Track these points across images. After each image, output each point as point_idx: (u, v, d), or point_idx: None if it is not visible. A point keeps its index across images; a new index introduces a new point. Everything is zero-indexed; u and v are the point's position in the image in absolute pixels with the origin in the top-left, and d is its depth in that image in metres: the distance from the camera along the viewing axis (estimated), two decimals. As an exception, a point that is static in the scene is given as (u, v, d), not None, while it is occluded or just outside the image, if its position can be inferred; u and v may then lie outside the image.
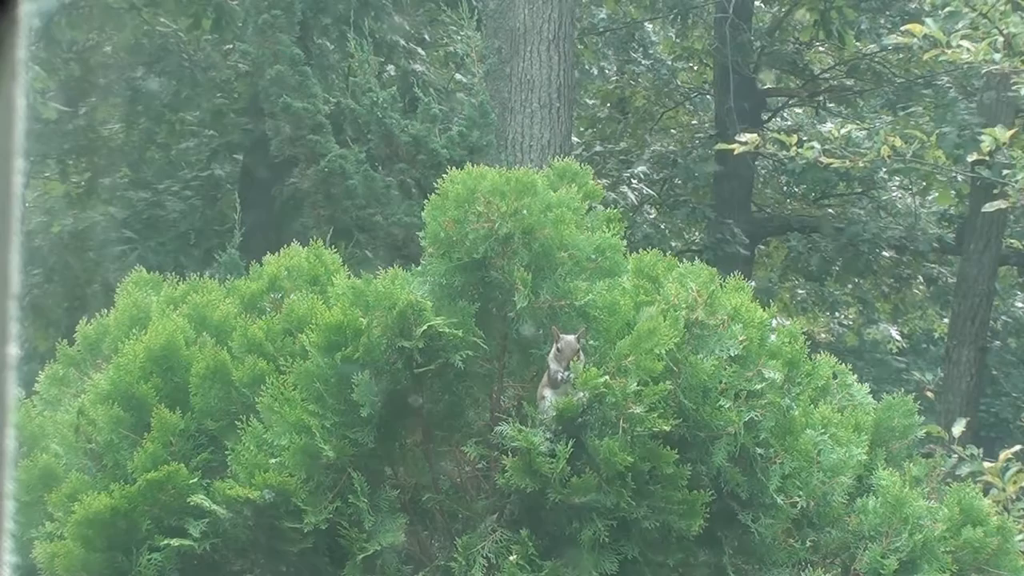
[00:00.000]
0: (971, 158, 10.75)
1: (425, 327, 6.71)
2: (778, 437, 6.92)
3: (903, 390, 8.19)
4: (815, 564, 7.02)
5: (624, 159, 20.64)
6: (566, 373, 6.69)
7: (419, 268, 7.18)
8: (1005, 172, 10.51)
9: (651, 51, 21.27)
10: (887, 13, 19.61)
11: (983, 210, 12.79)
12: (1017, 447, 8.83)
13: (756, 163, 20.20)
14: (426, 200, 7.15)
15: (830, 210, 21.58)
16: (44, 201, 17.47)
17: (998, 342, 21.77)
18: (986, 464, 8.64)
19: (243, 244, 12.34)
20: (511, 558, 6.65)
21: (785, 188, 22.06)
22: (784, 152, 10.51)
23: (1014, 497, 8.46)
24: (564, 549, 6.76)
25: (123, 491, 6.80)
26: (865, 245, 19.70)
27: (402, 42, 16.14)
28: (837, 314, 23.21)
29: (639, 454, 6.63)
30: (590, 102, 21.75)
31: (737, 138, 10.40)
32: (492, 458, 6.98)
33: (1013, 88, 11.71)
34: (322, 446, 6.68)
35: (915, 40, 9.87)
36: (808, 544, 7.08)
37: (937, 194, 20.66)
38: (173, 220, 16.52)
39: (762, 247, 21.88)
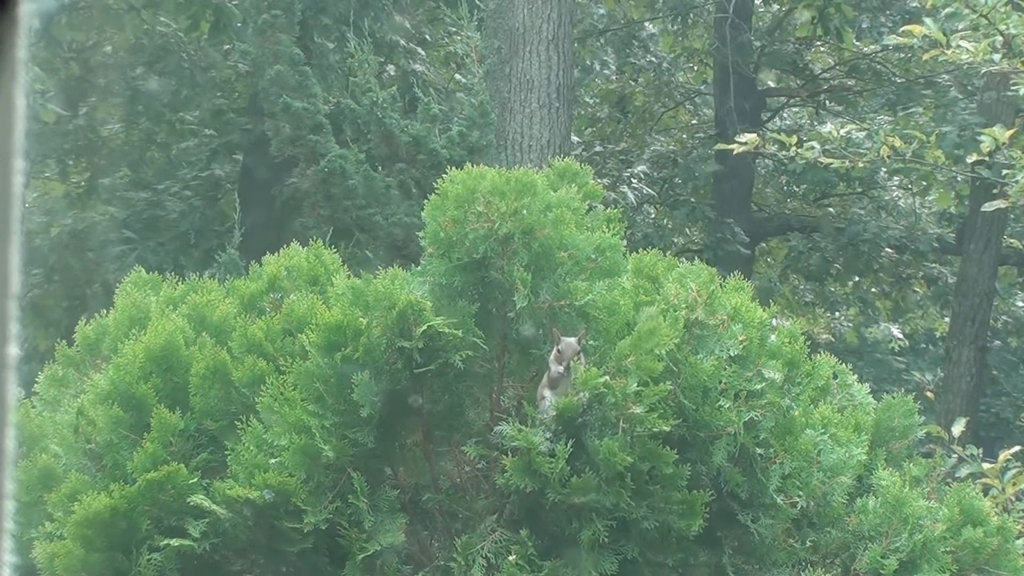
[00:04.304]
0: (971, 158, 10.74)
1: (425, 327, 6.70)
2: (778, 437, 6.92)
3: (903, 390, 8.19)
4: (815, 564, 7.02)
5: (624, 159, 20.62)
6: (566, 372, 6.69)
7: (419, 268, 7.17)
8: (1005, 172, 10.50)
9: (651, 50, 21.25)
10: (887, 12, 19.60)
11: (983, 210, 12.79)
12: (1017, 448, 8.83)
13: (756, 163, 20.19)
14: (426, 200, 7.15)
15: (830, 210, 21.57)
16: (44, 201, 17.47)
17: (998, 342, 21.77)
18: (986, 465, 8.63)
19: (243, 244, 12.34)
20: (510, 558, 6.65)
21: (785, 188, 22.05)
22: (784, 152, 10.51)
23: (1013, 498, 8.45)
24: (564, 549, 6.76)
25: (123, 491, 6.80)
26: (865, 245, 19.68)
27: (402, 42, 16.14)
28: (837, 314, 23.20)
29: (639, 454, 6.63)
30: (590, 102, 21.74)
31: (737, 138, 10.39)
32: (492, 458, 6.98)
33: (1013, 88, 11.69)
34: (322, 446, 6.68)
35: (915, 40, 9.87)
36: (808, 544, 7.08)
37: (937, 195, 20.66)
38: (173, 220, 16.51)
39: (763, 246, 21.87)
